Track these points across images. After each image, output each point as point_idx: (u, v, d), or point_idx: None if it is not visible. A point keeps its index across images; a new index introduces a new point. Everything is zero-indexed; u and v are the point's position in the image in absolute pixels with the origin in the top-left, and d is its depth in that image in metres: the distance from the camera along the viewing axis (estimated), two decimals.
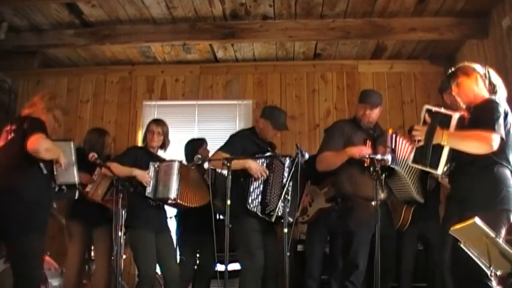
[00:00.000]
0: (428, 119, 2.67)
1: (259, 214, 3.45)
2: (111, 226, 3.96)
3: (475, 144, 2.52)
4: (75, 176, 3.20)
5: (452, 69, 2.83)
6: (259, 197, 3.48)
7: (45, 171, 3.02)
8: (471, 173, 2.57)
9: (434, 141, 2.60)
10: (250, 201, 3.46)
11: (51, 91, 3.35)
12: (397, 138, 3.33)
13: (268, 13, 4.68)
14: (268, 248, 3.53)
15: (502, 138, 2.48)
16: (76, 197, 3.32)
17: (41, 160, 2.98)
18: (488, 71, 2.74)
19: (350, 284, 3.28)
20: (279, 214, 3.35)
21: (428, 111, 2.70)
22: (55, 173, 3.09)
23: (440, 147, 2.60)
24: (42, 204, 2.99)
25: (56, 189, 3.17)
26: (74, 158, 3.21)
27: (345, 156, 3.38)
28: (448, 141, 2.57)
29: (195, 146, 4.37)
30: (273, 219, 3.41)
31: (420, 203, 3.75)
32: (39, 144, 2.88)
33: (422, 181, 3.54)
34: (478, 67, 2.76)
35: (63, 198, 3.49)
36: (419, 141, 2.67)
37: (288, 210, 3.32)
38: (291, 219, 3.39)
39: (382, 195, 3.00)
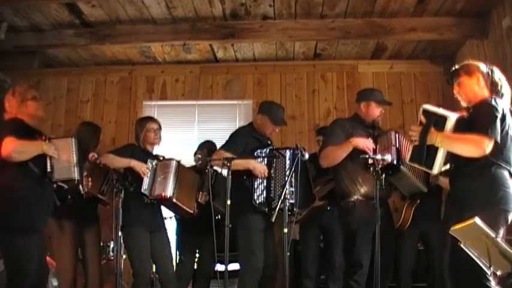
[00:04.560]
0: (424, 119, 2.67)
1: (266, 210, 3.42)
2: (100, 225, 3.96)
3: (467, 148, 2.53)
4: (74, 172, 3.10)
5: (456, 66, 2.82)
6: (264, 192, 3.46)
7: (36, 170, 3.00)
8: (469, 173, 2.57)
9: (428, 142, 2.61)
10: (255, 197, 3.44)
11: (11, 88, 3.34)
12: (400, 137, 3.34)
13: (268, 13, 4.67)
14: (267, 248, 3.51)
15: (496, 142, 2.48)
16: (83, 193, 3.26)
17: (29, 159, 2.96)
18: (491, 70, 2.73)
19: (354, 283, 3.25)
20: (281, 206, 3.23)
21: (425, 111, 2.70)
22: (48, 169, 3.04)
23: (435, 148, 2.61)
24: (22, 203, 2.94)
25: (55, 186, 3.12)
26: (74, 154, 3.14)
27: (349, 147, 3.32)
28: (442, 143, 2.58)
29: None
30: (274, 216, 3.30)
31: (422, 201, 3.79)
32: (9, 149, 2.87)
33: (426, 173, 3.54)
34: (481, 66, 2.75)
35: (70, 199, 3.40)
36: (415, 141, 2.68)
37: (292, 201, 3.29)
38: (296, 210, 3.38)
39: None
